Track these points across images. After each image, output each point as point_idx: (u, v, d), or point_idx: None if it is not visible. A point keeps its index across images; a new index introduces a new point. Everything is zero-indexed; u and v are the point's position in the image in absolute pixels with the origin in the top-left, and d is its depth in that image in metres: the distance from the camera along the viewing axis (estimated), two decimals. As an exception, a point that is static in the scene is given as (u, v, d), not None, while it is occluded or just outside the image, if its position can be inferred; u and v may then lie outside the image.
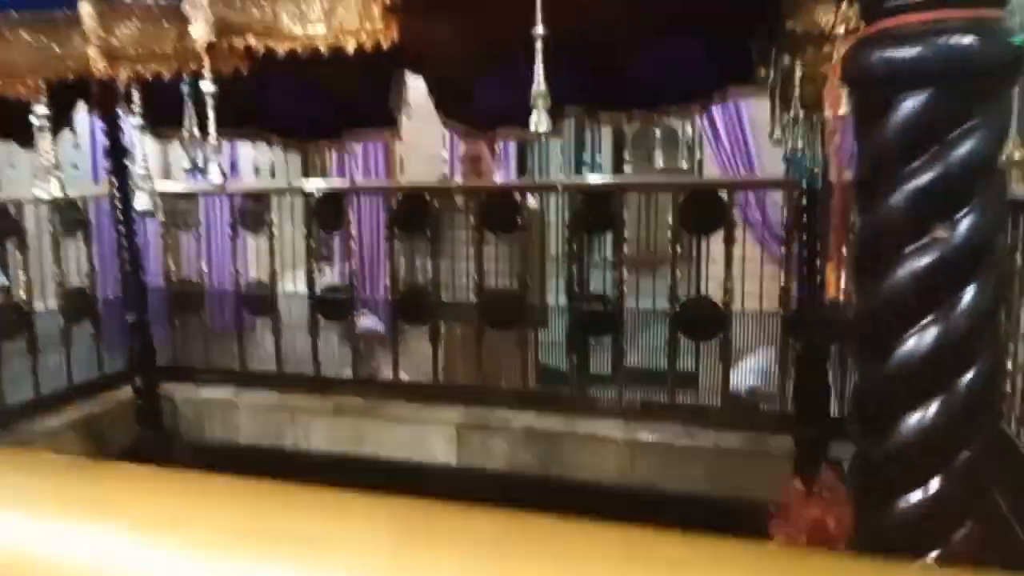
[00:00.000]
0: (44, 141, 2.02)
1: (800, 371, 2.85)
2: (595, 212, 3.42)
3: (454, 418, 3.44)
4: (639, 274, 3.60)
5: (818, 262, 2.77)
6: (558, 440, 3.27)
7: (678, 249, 3.35)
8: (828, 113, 1.19)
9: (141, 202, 2.34)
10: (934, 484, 0.95)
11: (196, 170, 1.96)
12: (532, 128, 1.35)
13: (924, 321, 0.96)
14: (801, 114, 2.06)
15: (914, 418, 0.95)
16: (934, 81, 0.94)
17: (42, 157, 2.06)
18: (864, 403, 1.07)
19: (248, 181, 4.14)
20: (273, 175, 3.83)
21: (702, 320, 3.31)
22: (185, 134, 1.85)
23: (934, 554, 0.96)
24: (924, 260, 0.96)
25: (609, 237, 3.69)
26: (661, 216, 3.46)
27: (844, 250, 1.16)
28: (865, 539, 1.04)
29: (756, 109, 4.07)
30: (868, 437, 1.01)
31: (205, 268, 4.16)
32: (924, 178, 0.95)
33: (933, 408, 0.95)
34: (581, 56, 2.43)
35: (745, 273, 3.29)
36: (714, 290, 3.43)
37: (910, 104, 0.95)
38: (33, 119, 2.00)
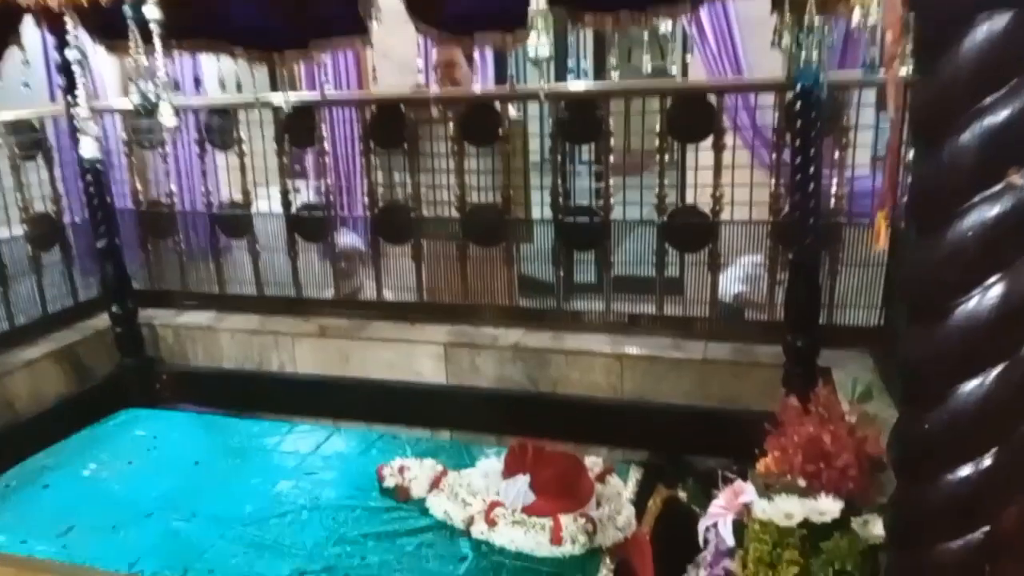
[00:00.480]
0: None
1: (792, 279, 2.80)
2: (580, 121, 3.28)
3: (441, 337, 3.40)
4: (625, 180, 3.49)
5: (811, 168, 2.67)
6: (546, 356, 3.24)
7: (666, 157, 3.24)
8: (888, 36, 1.03)
9: (87, 149, 2.16)
10: (988, 458, 0.87)
11: (146, 106, 1.80)
12: (531, 54, 1.20)
13: (989, 280, 0.85)
14: (817, 20, 1.89)
15: (971, 386, 0.86)
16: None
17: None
18: (915, 367, 0.95)
19: (213, 96, 3.92)
20: (240, 89, 3.62)
21: (690, 230, 3.24)
22: (132, 49, 1.68)
23: (982, 531, 0.90)
24: (993, 210, 0.83)
25: (594, 145, 3.56)
26: (648, 121, 3.31)
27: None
28: (906, 513, 0.96)
29: (744, 5, 3.87)
30: (917, 404, 0.91)
31: (175, 188, 4.00)
32: (999, 116, 0.82)
33: (993, 376, 0.85)
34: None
35: (733, 180, 3.19)
36: (699, 198, 3.34)
37: (988, 27, 0.80)
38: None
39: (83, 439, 2.96)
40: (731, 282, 3.66)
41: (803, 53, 2.11)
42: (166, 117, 1.51)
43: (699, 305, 3.32)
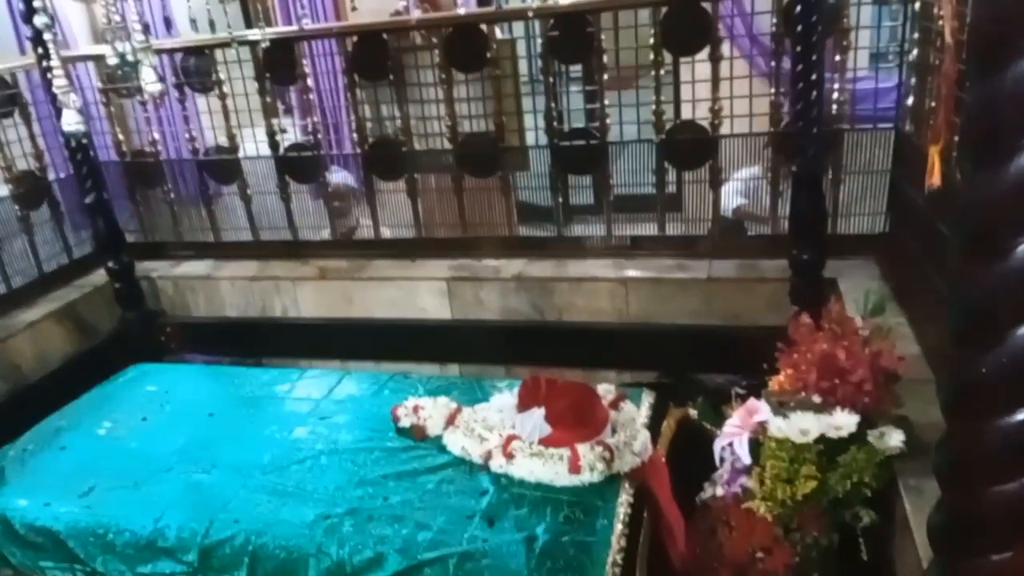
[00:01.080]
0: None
1: (795, 191, 2.75)
2: (570, 39, 3.16)
3: (442, 272, 3.37)
4: (620, 97, 3.40)
5: (813, 75, 2.59)
6: (550, 285, 3.22)
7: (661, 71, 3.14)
8: None
9: (70, 122, 2.05)
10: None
11: (125, 68, 1.70)
12: None
13: None
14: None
15: (1031, 329, 0.83)
16: None
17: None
18: (971, 308, 0.90)
19: (187, 37, 3.77)
20: (213, 28, 3.47)
21: (690, 146, 3.17)
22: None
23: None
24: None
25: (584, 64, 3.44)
26: (642, 35, 3.18)
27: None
28: (959, 454, 0.94)
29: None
30: (972, 346, 0.87)
31: (157, 136, 3.89)
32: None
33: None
34: None
35: (732, 92, 3.10)
36: (696, 112, 3.24)
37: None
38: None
39: (95, 398, 2.96)
40: (731, 196, 3.61)
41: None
42: (149, 83, 1.43)
43: (700, 223, 3.28)
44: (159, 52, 3.50)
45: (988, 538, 0.93)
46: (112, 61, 1.77)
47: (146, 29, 2.84)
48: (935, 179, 1.03)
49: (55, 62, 2.03)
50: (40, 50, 3.15)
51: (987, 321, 0.87)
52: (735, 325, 3.03)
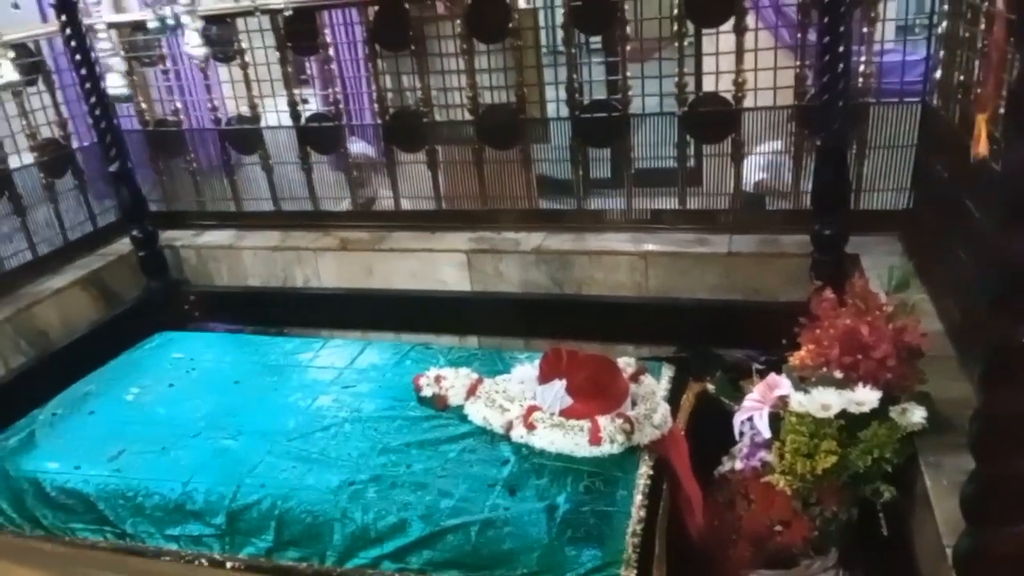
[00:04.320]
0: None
1: (819, 165, 2.73)
2: (593, 8, 3.13)
3: (462, 244, 3.38)
4: (642, 68, 3.37)
5: (840, 47, 2.55)
6: (570, 258, 3.23)
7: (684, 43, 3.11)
8: None
9: (115, 85, 2.06)
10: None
11: (167, 31, 1.70)
12: None
13: None
14: None
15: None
16: None
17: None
18: (1007, 276, 0.89)
19: (210, 6, 3.77)
20: (235, -3, 3.48)
21: (713, 119, 3.15)
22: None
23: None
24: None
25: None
26: (664, 5, 3.15)
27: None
28: (991, 425, 0.94)
29: None
30: (1007, 315, 0.87)
31: (179, 105, 3.90)
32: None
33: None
34: None
35: (756, 64, 3.07)
36: (718, 85, 3.21)
37: None
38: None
39: (122, 364, 3.02)
40: (752, 170, 3.58)
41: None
42: (193, 47, 1.43)
43: (720, 197, 3.27)
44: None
45: (1021, 508, 0.95)
46: (153, 25, 1.77)
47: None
48: (981, 148, 1.02)
49: (100, 26, 2.04)
50: (64, 17, 3.17)
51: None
52: (755, 300, 3.03)
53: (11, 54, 2.64)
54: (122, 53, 3.73)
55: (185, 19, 1.43)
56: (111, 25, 3.74)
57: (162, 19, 1.71)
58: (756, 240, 3.12)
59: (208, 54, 1.43)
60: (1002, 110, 1.43)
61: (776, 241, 3.09)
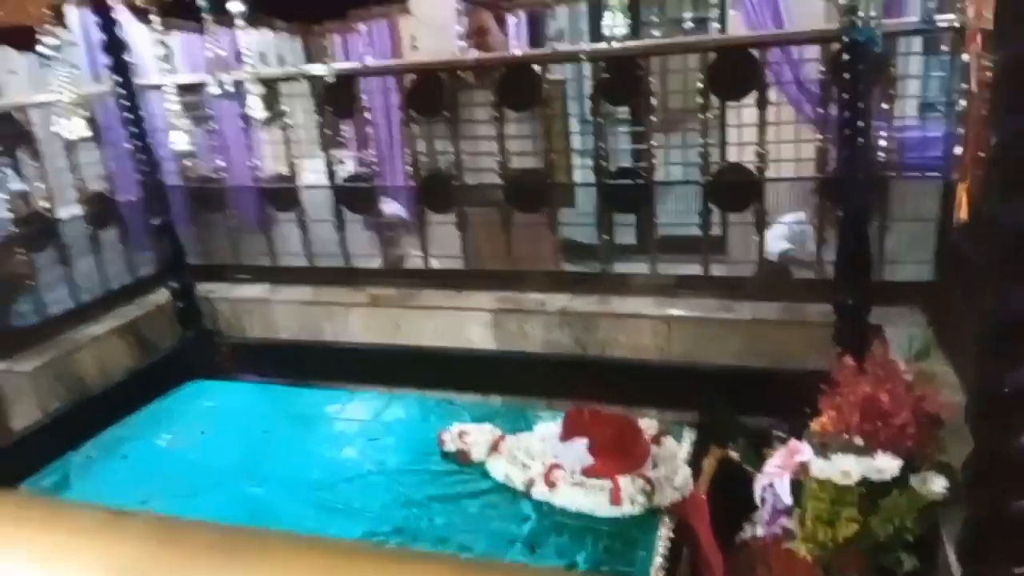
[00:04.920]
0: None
1: (841, 236, 2.78)
2: (620, 81, 3.25)
3: (488, 304, 3.45)
4: (667, 137, 3.48)
5: (860, 123, 2.64)
6: (594, 320, 3.28)
7: (708, 115, 3.21)
8: (970, 9, 1.03)
9: (179, 141, 2.21)
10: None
11: (228, 97, 1.83)
12: (607, 33, 1.21)
13: None
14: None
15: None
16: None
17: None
18: (999, 325, 0.95)
19: (259, 70, 3.97)
20: (281, 64, 3.67)
21: (736, 189, 3.23)
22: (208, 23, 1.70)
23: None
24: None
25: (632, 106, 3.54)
26: (689, 79, 3.28)
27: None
28: (982, 469, 0.97)
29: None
30: (999, 363, 0.91)
31: (222, 163, 4.07)
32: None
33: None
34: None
35: (779, 137, 3.16)
36: (739, 155, 3.31)
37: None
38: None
39: (155, 411, 3.10)
40: (775, 240, 3.65)
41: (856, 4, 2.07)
42: (256, 110, 1.55)
43: (744, 265, 3.32)
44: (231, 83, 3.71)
45: (1013, 550, 0.96)
46: (214, 91, 1.91)
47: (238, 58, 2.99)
48: (963, 214, 1.10)
49: (169, 88, 2.19)
50: (119, 78, 3.36)
51: (1018, 336, 0.92)
52: (777, 368, 3.04)
53: (83, 112, 2.81)
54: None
55: (248, 85, 1.54)
56: (168, 87, 3.96)
57: (223, 86, 1.85)
58: (780, 308, 3.16)
59: (268, 117, 1.54)
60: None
61: (800, 309, 3.12)
